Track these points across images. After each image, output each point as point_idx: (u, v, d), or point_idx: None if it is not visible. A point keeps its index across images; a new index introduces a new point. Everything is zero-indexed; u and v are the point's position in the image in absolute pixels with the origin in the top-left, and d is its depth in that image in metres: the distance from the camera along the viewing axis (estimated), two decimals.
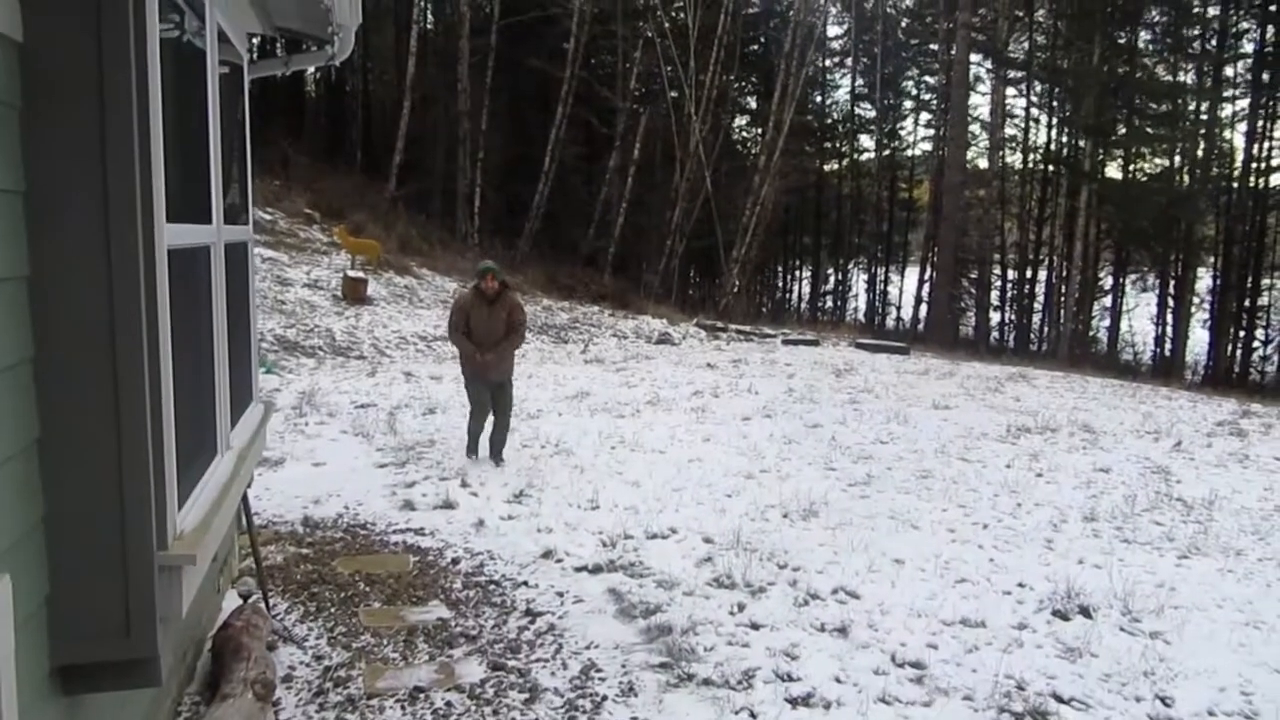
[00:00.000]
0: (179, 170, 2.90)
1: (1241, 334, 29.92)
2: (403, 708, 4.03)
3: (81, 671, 2.38)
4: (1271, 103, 29.60)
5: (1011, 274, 36.22)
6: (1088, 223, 30.58)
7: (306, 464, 8.02)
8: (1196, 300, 30.92)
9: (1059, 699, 4.35)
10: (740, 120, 38.40)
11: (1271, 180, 30.10)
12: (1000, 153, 34.55)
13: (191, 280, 3.19)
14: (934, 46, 38.14)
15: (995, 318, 35.74)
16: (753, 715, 4.10)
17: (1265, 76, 29.45)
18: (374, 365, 13.87)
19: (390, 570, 5.71)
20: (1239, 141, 30.48)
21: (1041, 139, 36.02)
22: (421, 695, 4.13)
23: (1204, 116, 30.15)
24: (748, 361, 16.64)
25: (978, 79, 34.50)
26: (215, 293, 3.58)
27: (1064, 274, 31.85)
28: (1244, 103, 30.12)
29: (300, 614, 4.98)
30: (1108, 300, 33.70)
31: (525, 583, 5.59)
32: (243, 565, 5.48)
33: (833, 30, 39.53)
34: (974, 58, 32.61)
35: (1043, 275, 34.98)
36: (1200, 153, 30.38)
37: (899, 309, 39.65)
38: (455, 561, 5.94)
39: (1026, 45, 35.10)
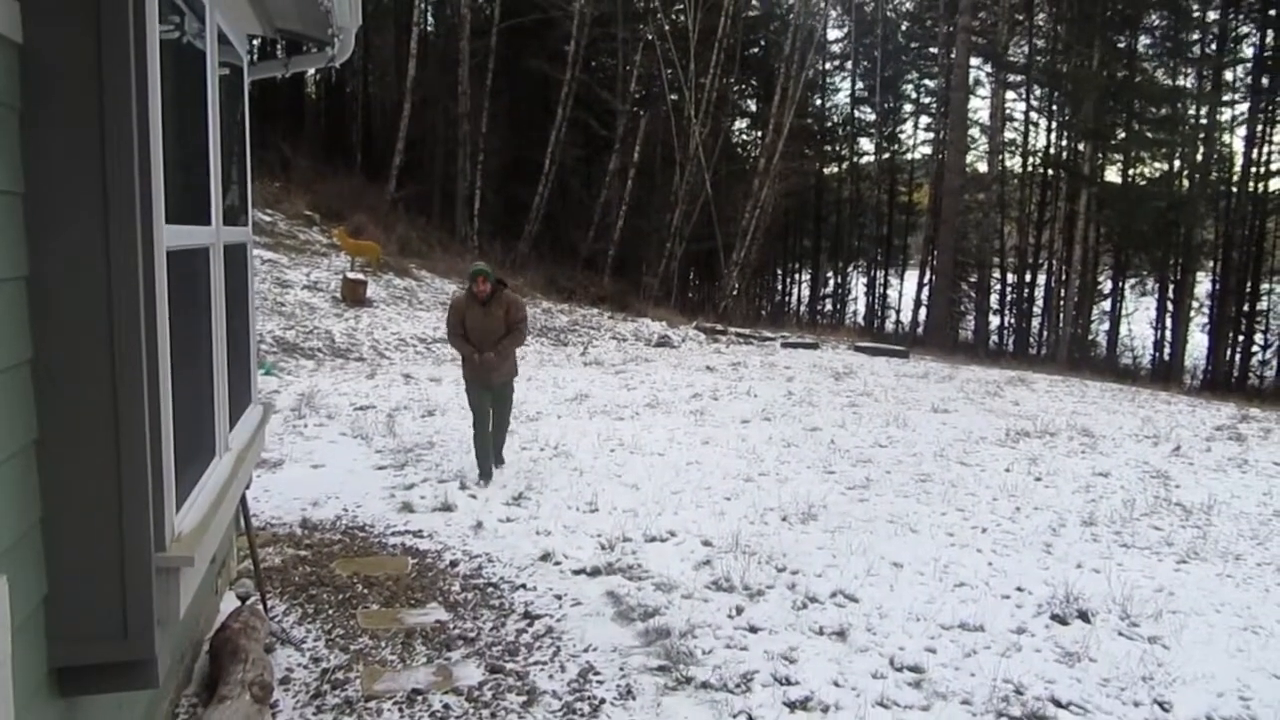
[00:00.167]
0: (178, 171, 2.90)
1: (1240, 338, 29.93)
2: (400, 710, 4.02)
3: (79, 673, 2.38)
4: (1271, 107, 29.64)
5: (1011, 277, 36.24)
6: (1087, 226, 30.59)
7: (305, 466, 8.02)
8: (1196, 304, 30.93)
9: (1057, 703, 4.35)
10: (740, 123, 38.52)
11: (1271, 185, 30.17)
12: (1000, 156, 34.58)
13: (190, 281, 3.19)
14: (934, 50, 38.18)
15: (994, 321, 35.75)
16: (751, 718, 4.10)
17: (1265, 81, 29.50)
18: (373, 367, 13.86)
19: (388, 572, 5.71)
20: (1238, 146, 30.58)
21: (1041, 143, 36.12)
22: (419, 698, 4.13)
23: (1203, 121, 30.14)
24: (747, 364, 16.64)
25: (977, 83, 34.62)
26: (214, 294, 3.58)
27: (1063, 278, 31.86)
28: (1243, 107, 30.20)
29: (298, 616, 4.98)
30: (1107, 304, 33.71)
31: (524, 585, 5.59)
32: (241, 567, 5.47)
33: (833, 34, 39.64)
34: (974, 61, 32.70)
35: (1042, 279, 35.00)
36: (1200, 157, 30.38)
37: (898, 312, 39.68)
38: (454, 564, 5.93)
39: (1026, 49, 35.15)
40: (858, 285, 41.11)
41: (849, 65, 40.70)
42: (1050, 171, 35.03)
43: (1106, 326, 33.42)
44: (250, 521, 5.07)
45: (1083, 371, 21.28)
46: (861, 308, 40.31)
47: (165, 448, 2.50)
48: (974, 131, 34.86)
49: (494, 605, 5.27)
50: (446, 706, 4.07)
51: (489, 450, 7.92)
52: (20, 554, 2.12)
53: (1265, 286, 30.32)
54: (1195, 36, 31.63)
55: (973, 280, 35.31)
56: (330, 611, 5.06)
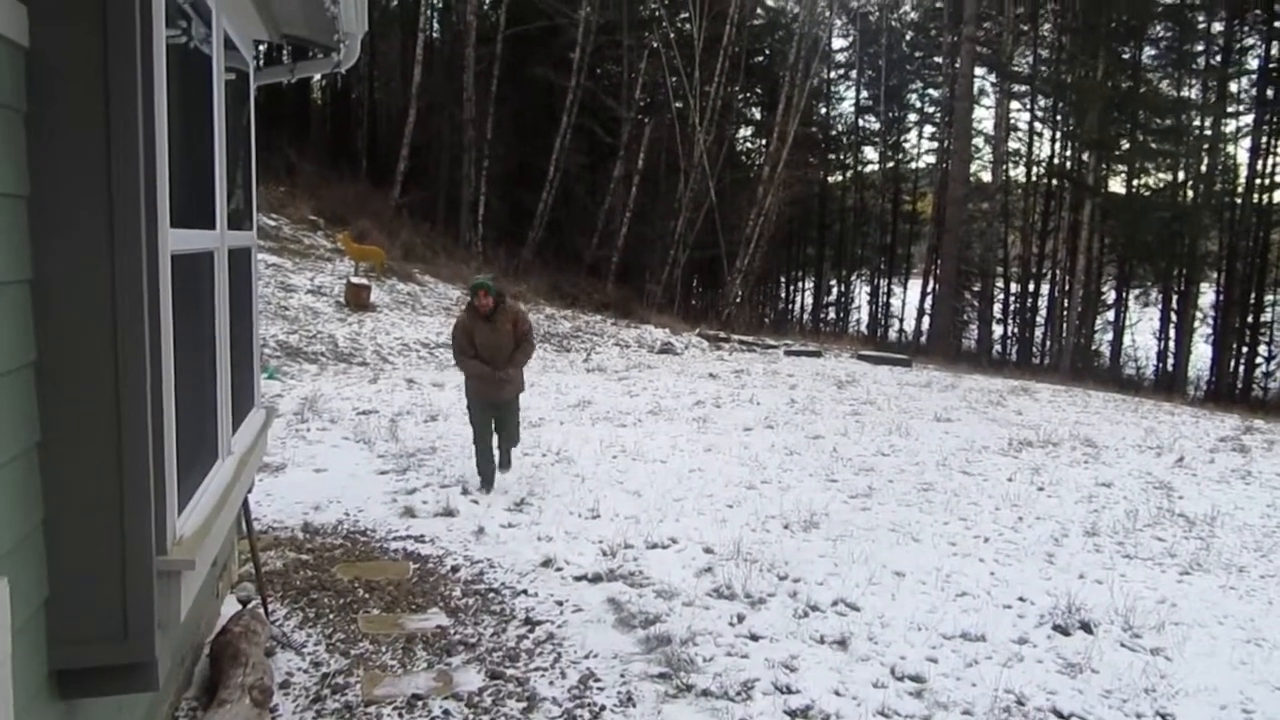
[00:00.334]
0: (184, 175, 2.90)
1: (1244, 350, 29.87)
2: (400, 715, 4.02)
3: (79, 675, 2.38)
4: (1276, 119, 29.59)
5: (1014, 287, 36.22)
6: (1091, 237, 30.56)
7: (307, 470, 8.02)
8: (1200, 315, 30.86)
9: (1059, 714, 4.34)
10: (744, 131, 38.57)
11: (1275, 196, 30.09)
12: (1004, 166, 34.59)
13: (194, 285, 3.20)
14: (938, 60, 38.24)
15: (998, 331, 35.73)
16: None
17: (1270, 92, 29.46)
18: (376, 372, 13.87)
19: (390, 577, 5.70)
20: (1243, 157, 30.50)
21: (1045, 153, 36.13)
22: (419, 703, 4.12)
23: (1208, 132, 30.12)
24: (750, 372, 16.63)
25: (982, 92, 34.63)
26: (218, 298, 3.59)
27: (1067, 288, 31.83)
28: (1248, 118, 30.11)
29: (299, 620, 4.97)
30: (1110, 314, 33.67)
31: (525, 591, 5.58)
32: (242, 570, 5.47)
33: (838, 42, 39.78)
34: (978, 71, 32.74)
35: (1045, 289, 34.96)
36: (1204, 168, 30.35)
37: (901, 321, 39.66)
38: (455, 569, 5.93)
39: (1030, 59, 35.17)
40: (861, 293, 41.18)
41: (854, 74, 40.87)
42: (1054, 181, 35.04)
43: (1110, 337, 33.37)
44: (252, 525, 5.07)
45: (1086, 381, 21.24)
46: (865, 316, 40.37)
47: (167, 451, 2.50)
48: (978, 141, 34.90)
49: (495, 611, 5.26)
50: (446, 712, 4.06)
51: (491, 460, 7.77)
52: (22, 556, 2.12)
53: (1269, 298, 30.26)
54: (1200, 48, 31.61)
55: (976, 289, 35.28)
56: (331, 616, 5.06)
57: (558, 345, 18.53)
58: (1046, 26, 34.80)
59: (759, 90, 37.32)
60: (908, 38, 39.96)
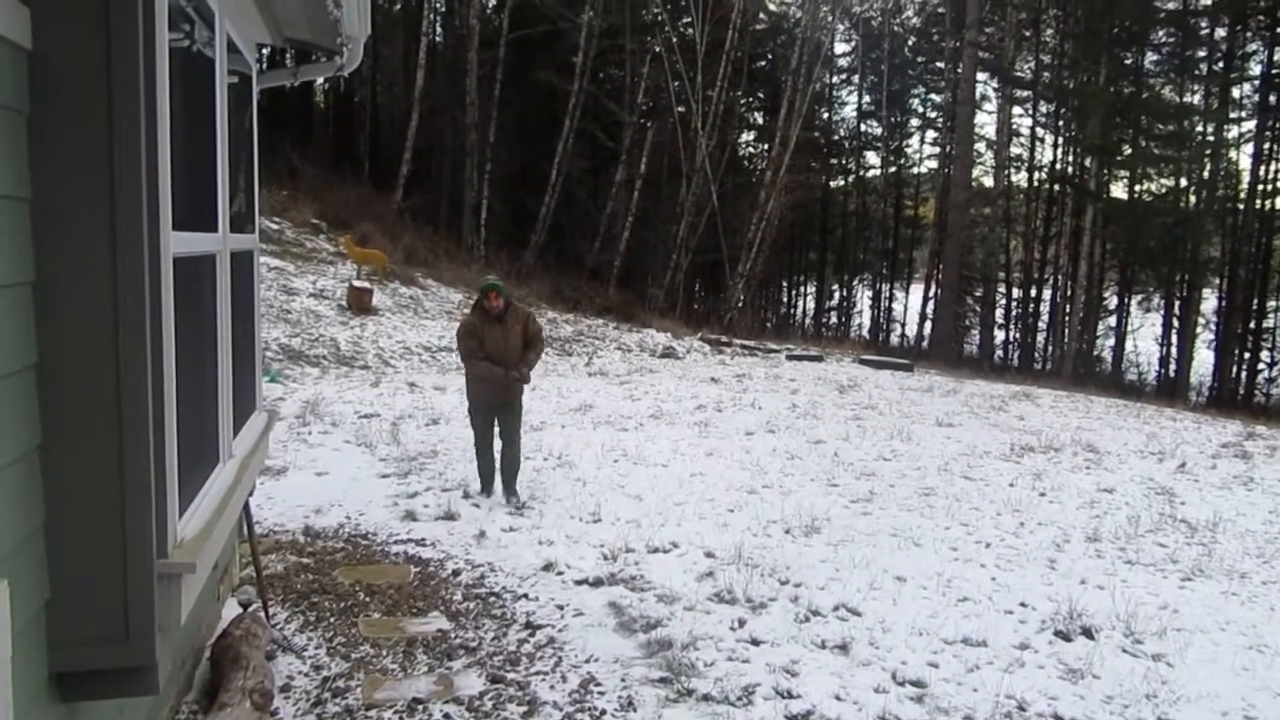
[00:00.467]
0: (186, 178, 2.91)
1: (1247, 356, 29.83)
2: (401, 719, 4.01)
3: (80, 678, 2.38)
4: (1278, 124, 29.58)
5: (1016, 292, 36.20)
6: (1093, 242, 30.56)
7: (309, 473, 8.02)
8: (1202, 321, 30.83)
9: None
10: (747, 136, 38.58)
11: (1278, 202, 30.07)
12: (1006, 171, 34.62)
13: (196, 288, 3.20)
14: (941, 65, 38.22)
15: (999, 336, 35.72)
16: None
17: (1272, 98, 29.46)
18: (378, 375, 13.88)
19: (391, 581, 5.70)
20: (1245, 163, 30.47)
21: (1047, 158, 36.16)
22: (420, 707, 4.12)
23: (1210, 138, 30.11)
24: (751, 376, 16.63)
25: (984, 97, 34.63)
26: (220, 300, 3.59)
27: (1069, 293, 31.83)
28: (1250, 124, 30.08)
29: (300, 623, 4.97)
30: (1112, 320, 33.65)
31: (526, 595, 5.58)
32: (243, 574, 5.47)
33: (840, 47, 39.77)
34: (980, 76, 32.70)
35: (1047, 294, 34.98)
36: (1206, 174, 30.35)
37: (903, 326, 39.62)
38: (456, 573, 5.92)
39: (1033, 64, 35.23)
40: (863, 298, 41.16)
41: (856, 79, 40.89)
42: (1056, 187, 35.05)
43: (1112, 342, 33.36)
44: (253, 528, 5.07)
45: (1088, 387, 21.22)
46: (866, 321, 40.35)
47: (169, 454, 2.50)
48: (980, 146, 34.87)
49: (496, 615, 5.26)
50: (447, 716, 4.06)
51: (491, 462, 7.67)
52: (23, 558, 2.12)
53: (1272, 304, 30.21)
54: (1203, 53, 31.62)
55: (978, 294, 35.28)
56: (332, 619, 5.06)
57: (559, 349, 18.53)
58: (1049, 32, 34.83)
59: (761, 95, 37.35)
60: (910, 43, 39.96)
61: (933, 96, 40.10)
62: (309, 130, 30.54)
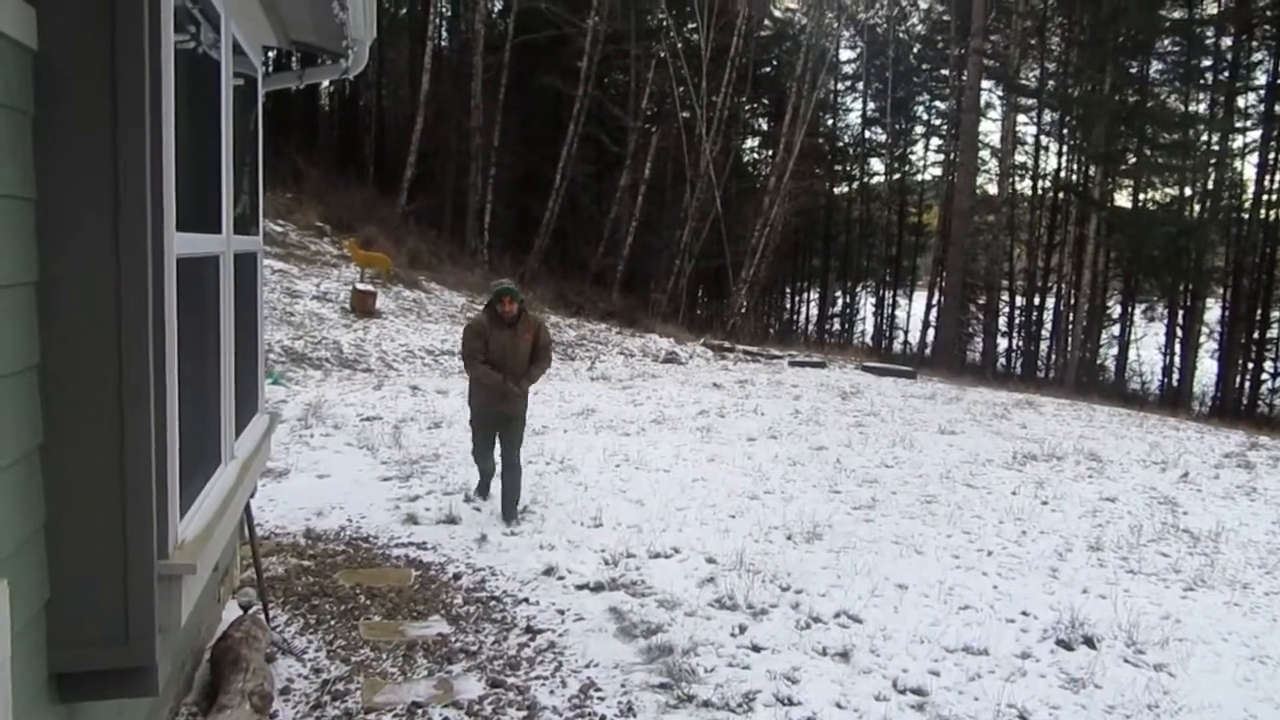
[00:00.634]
0: (190, 179, 2.91)
1: (1250, 365, 29.79)
2: None
3: (79, 679, 2.37)
4: None
5: (1020, 300, 36.18)
6: (1097, 251, 30.54)
7: (310, 476, 8.01)
8: (1205, 330, 30.79)
9: None
10: (751, 142, 38.69)
11: None
12: (1010, 179, 34.58)
13: (199, 289, 3.20)
14: (945, 72, 38.28)
15: (1003, 344, 35.67)
16: None
17: (1278, 108, 29.44)
18: (380, 378, 13.88)
19: (391, 584, 5.70)
20: (1250, 173, 30.45)
21: (1051, 166, 36.14)
22: (419, 711, 4.11)
23: (1215, 147, 30.09)
24: (754, 382, 16.62)
25: (988, 105, 34.62)
26: (223, 302, 3.59)
27: (1072, 301, 31.80)
28: (1255, 134, 30.06)
29: (300, 626, 4.97)
30: (1116, 329, 33.63)
31: (526, 599, 5.57)
32: (244, 576, 5.47)
33: (845, 54, 39.73)
34: (985, 84, 32.74)
35: (1051, 302, 34.97)
36: (1211, 183, 30.32)
37: (906, 333, 39.65)
38: (457, 577, 5.92)
39: (1038, 72, 35.21)
40: (866, 305, 41.16)
41: (860, 86, 40.92)
42: (1060, 195, 35.04)
43: (1115, 351, 33.32)
44: (254, 530, 5.07)
45: (1091, 396, 21.21)
46: (869, 328, 40.32)
47: (170, 455, 2.50)
48: (984, 154, 34.89)
49: (496, 619, 5.25)
50: None
51: (490, 464, 7.48)
52: (23, 559, 2.12)
53: (1276, 314, 30.13)
54: (1208, 63, 31.61)
55: (981, 302, 35.24)
56: (332, 622, 5.05)
57: (562, 354, 18.52)
58: (1054, 40, 34.83)
59: (766, 101, 37.40)
60: (915, 50, 39.97)
61: (937, 104, 40.17)
62: (314, 133, 30.60)
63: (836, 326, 40.68)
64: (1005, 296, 35.94)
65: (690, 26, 30.29)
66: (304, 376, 13.30)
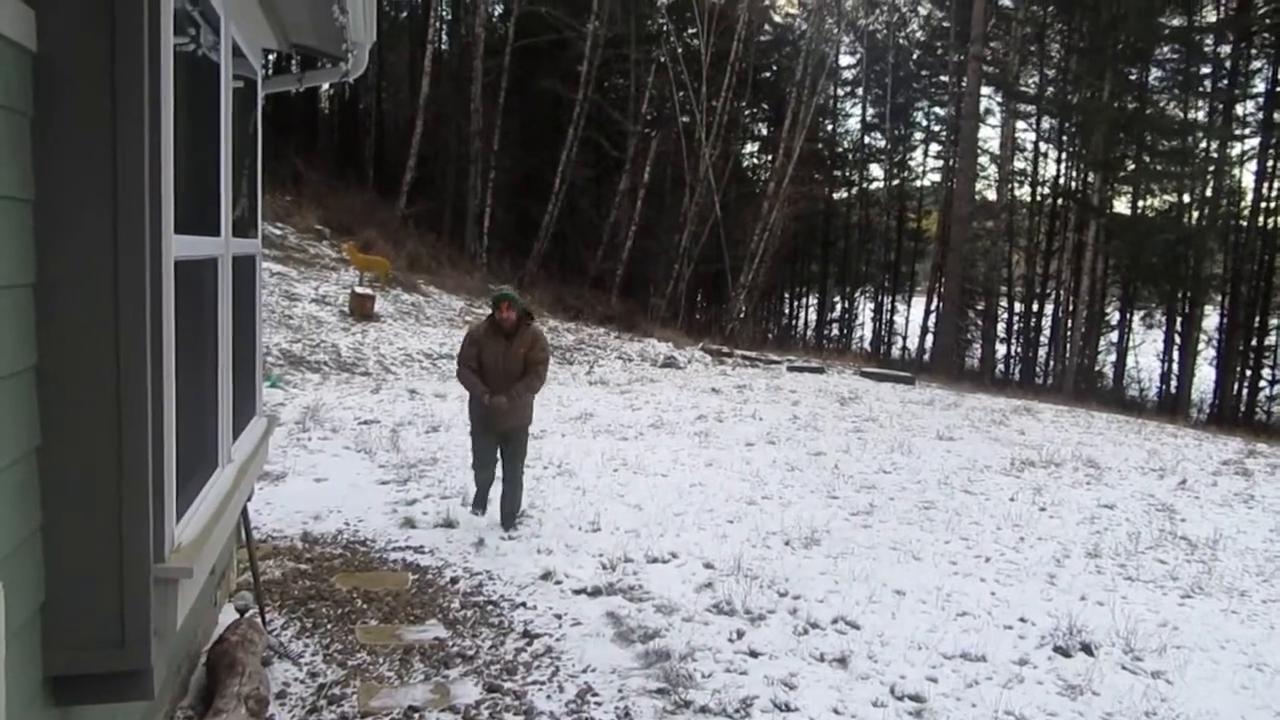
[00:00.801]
0: (189, 181, 2.90)
1: (1248, 373, 29.81)
2: None
3: (74, 682, 2.36)
4: None
5: (1018, 306, 36.21)
6: (1095, 257, 30.58)
7: (308, 479, 8.00)
8: (1204, 338, 30.81)
9: None
10: (750, 147, 38.70)
11: None
12: (1009, 185, 34.64)
13: (198, 291, 3.20)
14: (945, 78, 38.32)
15: (1001, 350, 35.71)
16: None
17: (1276, 116, 29.47)
18: (379, 382, 13.87)
19: (388, 588, 5.69)
20: (1248, 180, 30.48)
21: (1050, 172, 36.20)
22: (416, 716, 4.10)
23: (1214, 154, 30.13)
24: (752, 387, 16.62)
25: (988, 111, 34.68)
26: (221, 305, 3.59)
27: (1070, 308, 31.82)
28: (1254, 141, 30.09)
29: (296, 630, 4.96)
30: (1114, 335, 33.67)
31: (524, 604, 5.56)
32: (240, 579, 5.46)
33: (844, 60, 39.81)
34: (984, 90, 32.79)
35: (1049, 309, 35.01)
36: (1209, 190, 30.35)
37: (905, 338, 39.63)
38: (454, 581, 5.91)
39: (1037, 79, 35.28)
40: (865, 310, 41.17)
41: (860, 91, 40.98)
42: (1059, 201, 35.09)
43: (1113, 358, 33.35)
44: (251, 534, 5.06)
45: (1089, 402, 21.21)
46: (868, 333, 40.35)
47: (167, 457, 2.49)
48: (983, 160, 34.91)
49: (493, 623, 5.24)
50: None
51: (489, 484, 7.17)
52: (19, 560, 2.11)
53: (1274, 321, 30.19)
54: (1207, 70, 31.64)
55: (980, 308, 35.28)
56: (329, 626, 5.04)
57: (561, 358, 18.52)
58: (1053, 47, 34.89)
59: (765, 106, 37.46)
60: (914, 56, 40.03)
61: (936, 110, 40.20)
62: (314, 136, 30.61)
63: (835, 332, 40.71)
64: (1004, 302, 35.98)
65: (690, 31, 30.35)
66: (302, 379, 13.29)
